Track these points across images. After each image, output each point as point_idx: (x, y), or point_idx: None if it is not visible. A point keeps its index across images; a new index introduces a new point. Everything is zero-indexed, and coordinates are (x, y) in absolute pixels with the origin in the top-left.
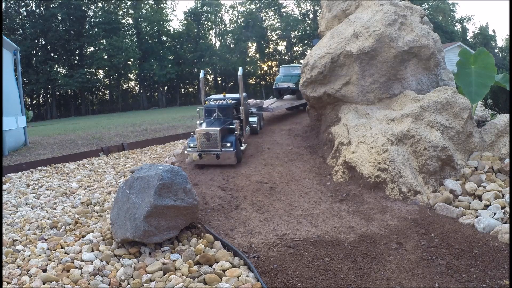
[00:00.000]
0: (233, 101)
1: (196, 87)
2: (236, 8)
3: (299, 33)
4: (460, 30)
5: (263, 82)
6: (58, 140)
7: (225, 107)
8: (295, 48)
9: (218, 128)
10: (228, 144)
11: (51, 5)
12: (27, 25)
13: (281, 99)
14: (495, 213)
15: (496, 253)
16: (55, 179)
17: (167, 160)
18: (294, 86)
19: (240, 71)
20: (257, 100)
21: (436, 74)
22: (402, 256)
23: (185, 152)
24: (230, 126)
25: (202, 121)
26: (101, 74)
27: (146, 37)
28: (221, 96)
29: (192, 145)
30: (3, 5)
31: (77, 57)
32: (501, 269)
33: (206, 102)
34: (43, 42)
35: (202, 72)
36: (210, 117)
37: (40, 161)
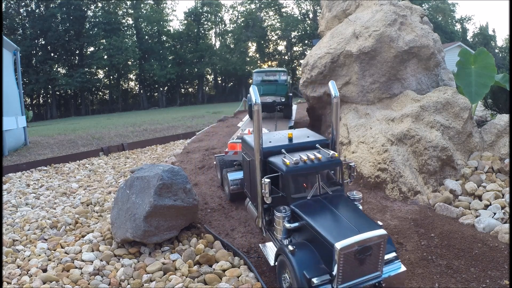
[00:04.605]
0: (332, 155)
1: (196, 87)
2: (236, 8)
3: (299, 33)
4: (460, 30)
5: None
6: (58, 140)
7: (329, 166)
8: (295, 48)
9: (385, 231)
10: (392, 255)
11: (51, 5)
12: (27, 25)
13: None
14: (495, 213)
15: (496, 253)
16: (55, 179)
17: (167, 160)
18: (283, 99)
19: (333, 89)
20: (241, 132)
21: (436, 74)
22: (402, 256)
23: None
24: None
25: (300, 210)
26: (101, 74)
27: (146, 37)
28: (285, 136)
29: (319, 282)
30: (3, 5)
31: (77, 57)
32: (501, 269)
33: (287, 161)
34: (43, 42)
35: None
36: (301, 191)
37: (40, 161)
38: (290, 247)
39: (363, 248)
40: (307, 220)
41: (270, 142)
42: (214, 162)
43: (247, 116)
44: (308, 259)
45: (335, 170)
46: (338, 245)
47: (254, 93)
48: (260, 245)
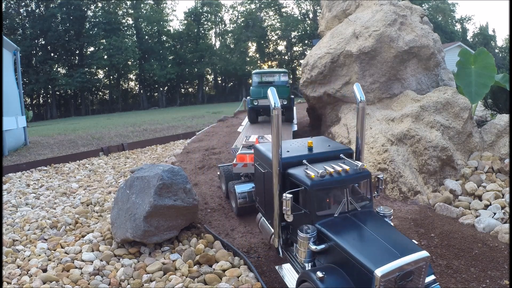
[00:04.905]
0: (361, 167)
1: (196, 87)
2: (236, 8)
3: (299, 33)
4: (460, 30)
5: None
6: (58, 140)
7: (358, 179)
8: (295, 48)
9: (427, 253)
10: (431, 279)
11: (51, 5)
12: (27, 25)
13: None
14: (495, 213)
15: (496, 253)
16: (55, 179)
17: (167, 160)
18: (285, 102)
19: (359, 92)
20: (246, 139)
21: (436, 74)
22: None
23: None
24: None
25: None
26: (101, 74)
27: (146, 37)
28: (304, 144)
29: None
30: (3, 5)
31: (77, 57)
32: (501, 269)
33: (312, 174)
34: (43, 42)
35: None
36: (328, 208)
37: (40, 161)
38: (319, 273)
39: (405, 273)
40: (337, 241)
41: (288, 151)
42: (218, 173)
43: (246, 119)
44: (339, 287)
45: (363, 183)
46: (379, 271)
47: (272, 96)
48: (276, 267)
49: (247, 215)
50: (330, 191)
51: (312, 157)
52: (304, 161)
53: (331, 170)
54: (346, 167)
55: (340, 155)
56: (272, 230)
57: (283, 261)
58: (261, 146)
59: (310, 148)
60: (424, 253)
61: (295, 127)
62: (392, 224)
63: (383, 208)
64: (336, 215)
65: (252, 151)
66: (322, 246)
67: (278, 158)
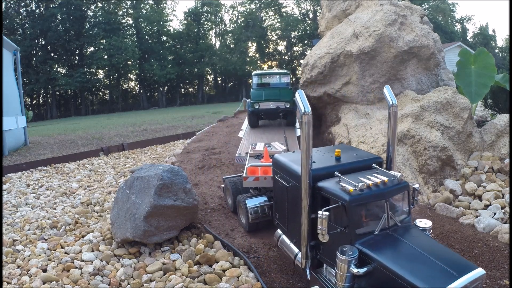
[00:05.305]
0: (399, 178)
1: (196, 87)
2: (236, 8)
3: (299, 33)
4: (460, 30)
5: None
6: (58, 140)
7: (398, 191)
8: (295, 48)
9: (483, 270)
10: None
11: (51, 5)
12: (27, 25)
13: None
14: (495, 213)
15: (496, 253)
16: (55, 179)
17: (167, 160)
18: (288, 105)
19: (390, 96)
20: (252, 147)
21: (436, 74)
22: None
23: None
24: None
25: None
26: (101, 74)
27: (146, 37)
28: (330, 153)
29: None
30: (3, 5)
31: (77, 57)
32: (501, 269)
33: (350, 188)
34: (43, 42)
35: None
36: (367, 225)
37: (40, 161)
38: None
39: None
40: (383, 263)
41: (314, 162)
42: (222, 185)
43: (245, 122)
44: None
45: (402, 195)
46: None
47: (302, 100)
48: None
49: (258, 230)
50: (370, 206)
51: (342, 167)
52: (336, 173)
53: (370, 182)
54: (384, 179)
55: (373, 164)
56: (296, 250)
57: (311, 283)
58: (282, 156)
59: (338, 158)
60: (480, 271)
61: (299, 132)
62: (432, 238)
63: (421, 221)
64: (376, 232)
65: (261, 161)
66: (365, 269)
67: (309, 170)
